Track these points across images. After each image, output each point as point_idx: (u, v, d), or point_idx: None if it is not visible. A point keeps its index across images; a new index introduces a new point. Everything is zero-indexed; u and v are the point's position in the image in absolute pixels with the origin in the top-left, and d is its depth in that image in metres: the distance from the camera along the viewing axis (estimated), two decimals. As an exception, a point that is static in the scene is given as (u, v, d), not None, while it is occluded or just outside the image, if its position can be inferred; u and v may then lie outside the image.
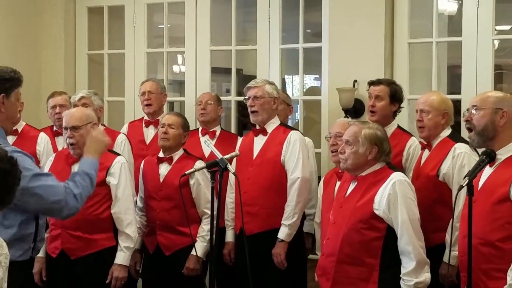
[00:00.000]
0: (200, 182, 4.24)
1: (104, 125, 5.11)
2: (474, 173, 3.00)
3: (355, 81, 4.99)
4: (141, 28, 6.01)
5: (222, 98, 5.24)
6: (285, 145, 4.21)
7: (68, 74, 6.19)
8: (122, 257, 4.00)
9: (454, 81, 6.16)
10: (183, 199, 3.92)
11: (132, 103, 5.92)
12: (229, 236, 4.40)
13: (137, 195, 4.45)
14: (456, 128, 4.13)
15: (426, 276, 3.27)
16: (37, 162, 4.51)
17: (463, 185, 2.93)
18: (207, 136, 4.78)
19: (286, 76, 9.01)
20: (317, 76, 8.53)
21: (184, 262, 4.20)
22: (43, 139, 4.74)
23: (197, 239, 4.22)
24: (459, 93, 4.91)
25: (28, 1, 6.07)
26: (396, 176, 3.35)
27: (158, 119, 4.80)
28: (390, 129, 4.24)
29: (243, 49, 6.21)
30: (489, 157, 3.07)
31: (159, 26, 6.42)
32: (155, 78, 5.81)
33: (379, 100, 4.26)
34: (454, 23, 5.81)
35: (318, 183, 4.37)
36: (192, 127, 4.80)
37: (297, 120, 7.71)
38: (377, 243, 3.31)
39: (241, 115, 6.49)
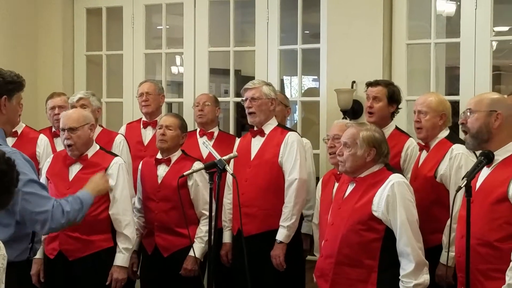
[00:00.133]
0: (198, 183, 4.24)
1: (102, 126, 5.11)
2: (472, 174, 3.00)
3: (354, 82, 4.99)
4: (140, 29, 6.01)
5: (220, 99, 5.24)
6: (283, 146, 4.20)
7: (66, 75, 6.19)
8: (121, 259, 4.00)
9: (452, 82, 6.17)
10: (181, 200, 3.91)
11: (131, 104, 5.92)
12: (226, 237, 4.39)
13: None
14: (454, 129, 4.13)
15: (425, 277, 3.27)
16: (37, 164, 4.51)
17: (462, 186, 2.94)
18: (205, 138, 4.78)
19: (284, 77, 9.01)
20: (316, 77, 8.55)
21: (183, 263, 4.21)
22: (43, 141, 4.73)
23: (195, 240, 4.21)
24: (457, 94, 4.91)
25: (27, 2, 6.07)
26: (395, 177, 3.35)
27: (156, 120, 4.80)
28: (388, 130, 4.24)
29: (241, 50, 6.22)
30: (487, 158, 3.07)
31: (158, 27, 6.42)
32: (153, 79, 5.80)
33: (377, 101, 4.26)
34: (452, 24, 5.82)
35: (316, 184, 4.37)
36: (190, 128, 4.80)
37: (295, 121, 7.72)
38: (375, 245, 3.30)
39: (240, 116, 6.49)
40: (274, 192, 4.19)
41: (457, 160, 3.73)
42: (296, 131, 4.40)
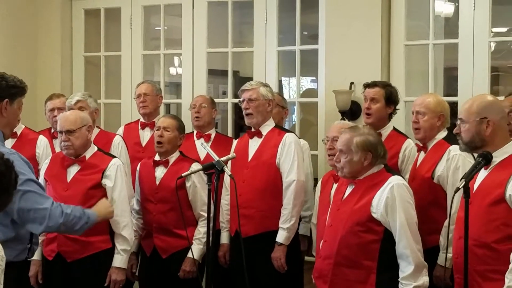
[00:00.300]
0: (197, 185, 4.23)
1: (100, 128, 5.10)
2: (470, 175, 3.00)
3: (352, 83, 4.99)
4: (138, 30, 6.01)
5: (218, 100, 5.26)
6: (280, 147, 4.20)
7: (64, 76, 6.20)
8: (119, 260, 4.00)
9: (450, 83, 6.17)
10: (179, 202, 3.91)
11: (129, 105, 5.92)
12: (224, 238, 4.39)
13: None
14: (452, 130, 4.12)
15: (424, 279, 3.27)
16: (36, 164, 4.50)
17: (460, 187, 2.93)
18: (202, 140, 4.78)
19: (282, 78, 9.01)
20: (314, 78, 8.54)
21: (181, 264, 4.20)
22: (42, 142, 4.73)
23: (193, 241, 4.21)
24: (456, 95, 4.91)
25: (25, 3, 6.07)
26: (395, 179, 3.35)
27: (154, 121, 4.79)
28: (386, 131, 4.25)
29: (239, 51, 6.21)
30: (485, 159, 3.07)
31: (156, 28, 6.43)
32: (151, 80, 5.80)
33: (375, 102, 4.26)
34: (450, 25, 5.82)
35: (315, 185, 4.37)
36: (188, 130, 4.80)
37: (294, 122, 7.71)
38: (374, 246, 3.30)
39: (238, 117, 6.48)
40: (271, 193, 4.18)
41: (455, 161, 3.72)
42: (293, 132, 4.40)
